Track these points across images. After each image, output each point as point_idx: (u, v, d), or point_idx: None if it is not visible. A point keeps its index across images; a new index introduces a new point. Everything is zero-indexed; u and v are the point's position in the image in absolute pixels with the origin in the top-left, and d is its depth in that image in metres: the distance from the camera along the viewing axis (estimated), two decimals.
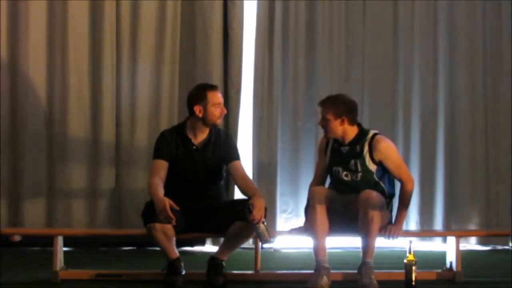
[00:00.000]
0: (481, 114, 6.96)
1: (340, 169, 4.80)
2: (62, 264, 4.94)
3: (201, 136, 4.81)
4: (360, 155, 4.74)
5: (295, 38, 6.84)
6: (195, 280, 4.76)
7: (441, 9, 6.95)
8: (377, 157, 4.73)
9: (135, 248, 6.65)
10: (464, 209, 6.91)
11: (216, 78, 6.57)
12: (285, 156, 6.81)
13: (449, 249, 5.04)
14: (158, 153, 4.78)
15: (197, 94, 4.79)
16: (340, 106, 4.76)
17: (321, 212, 4.64)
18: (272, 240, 4.62)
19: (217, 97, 4.78)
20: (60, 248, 4.93)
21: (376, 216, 4.55)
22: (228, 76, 6.71)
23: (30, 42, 6.62)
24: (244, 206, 4.50)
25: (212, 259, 4.74)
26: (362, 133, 4.80)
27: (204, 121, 4.76)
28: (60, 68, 6.65)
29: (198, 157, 4.78)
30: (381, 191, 4.75)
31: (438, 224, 6.85)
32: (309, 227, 4.72)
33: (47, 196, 6.60)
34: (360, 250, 4.64)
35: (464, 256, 5.10)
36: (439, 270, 5.04)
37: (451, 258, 5.00)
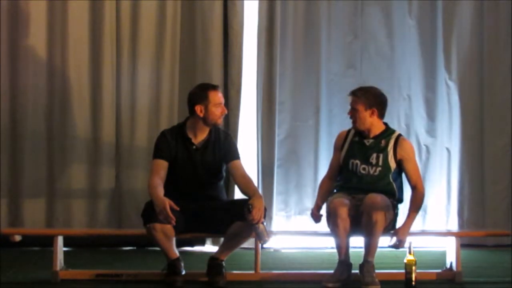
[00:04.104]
0: (479, 113, 6.96)
1: (358, 161, 4.83)
2: (62, 264, 4.95)
3: (201, 136, 4.81)
4: (384, 150, 4.80)
5: (295, 38, 6.84)
6: (195, 280, 4.77)
7: (439, 8, 6.94)
8: (400, 155, 4.80)
9: (135, 248, 6.65)
10: (463, 209, 6.92)
11: (216, 78, 6.56)
12: (285, 156, 6.81)
13: (449, 249, 5.04)
14: (158, 152, 4.78)
15: (198, 94, 4.79)
16: (371, 97, 4.83)
17: (341, 209, 4.66)
18: (269, 239, 4.62)
19: (218, 97, 4.78)
20: (60, 248, 4.94)
21: (380, 219, 4.60)
22: (228, 76, 6.70)
23: (30, 42, 6.62)
24: (243, 206, 4.50)
25: (212, 259, 4.74)
26: (389, 131, 4.89)
27: (205, 121, 4.76)
28: (60, 68, 6.64)
29: (198, 157, 4.77)
30: (392, 192, 4.78)
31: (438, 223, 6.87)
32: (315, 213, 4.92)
33: (47, 196, 6.59)
34: (362, 249, 4.66)
35: (464, 256, 5.10)
36: (439, 270, 5.05)
37: (451, 258, 5.00)
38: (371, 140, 4.84)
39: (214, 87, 4.84)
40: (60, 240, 4.93)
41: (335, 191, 4.99)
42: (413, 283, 4.58)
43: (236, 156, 4.85)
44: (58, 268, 4.88)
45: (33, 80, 6.60)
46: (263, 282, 4.90)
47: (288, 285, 4.82)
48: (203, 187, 4.80)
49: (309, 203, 6.68)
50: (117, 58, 6.68)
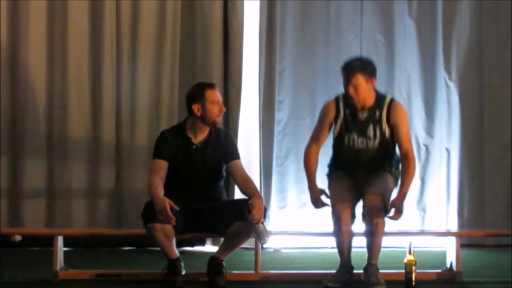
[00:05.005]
0: (478, 113, 6.96)
1: (355, 136, 4.67)
2: (62, 264, 4.94)
3: (201, 136, 4.81)
4: (379, 121, 4.65)
5: (295, 37, 6.84)
6: (195, 280, 4.76)
7: (439, 8, 6.94)
8: (393, 120, 4.63)
9: (135, 248, 6.65)
10: (463, 209, 6.93)
11: (216, 78, 6.57)
12: (284, 153, 6.81)
13: (449, 249, 5.05)
14: (158, 152, 4.78)
15: (195, 93, 4.78)
16: (368, 67, 4.64)
17: (345, 213, 4.63)
18: (269, 239, 4.62)
19: (215, 95, 4.77)
20: (60, 248, 4.93)
21: (380, 222, 4.56)
22: (228, 76, 6.71)
23: (30, 42, 6.62)
24: (243, 206, 4.50)
25: (212, 259, 4.74)
26: (381, 97, 4.70)
27: (204, 119, 4.75)
28: (60, 67, 6.65)
29: (198, 156, 4.77)
30: (390, 154, 4.69)
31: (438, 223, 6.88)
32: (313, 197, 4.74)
33: (47, 196, 6.60)
34: (365, 250, 4.66)
35: (464, 256, 5.10)
36: (439, 270, 5.04)
37: (451, 258, 5.00)
38: (365, 113, 4.66)
39: (211, 85, 4.84)
40: (60, 240, 4.93)
41: (328, 171, 4.88)
42: (413, 283, 4.57)
43: (236, 156, 4.84)
44: (58, 268, 4.87)
45: (33, 80, 6.61)
46: (263, 282, 4.90)
47: (288, 285, 4.81)
48: (203, 187, 4.80)
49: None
50: (117, 58, 6.69)
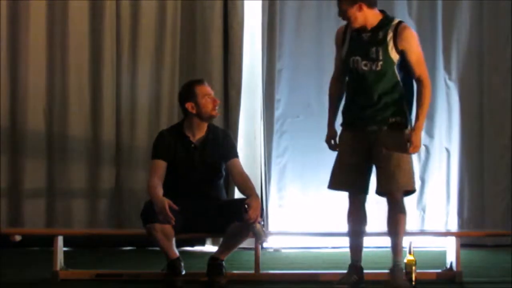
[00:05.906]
0: (478, 113, 6.96)
1: (359, 58, 4.51)
2: (62, 264, 4.95)
3: (199, 134, 4.81)
4: (383, 42, 4.47)
5: (295, 36, 6.85)
6: (195, 280, 4.76)
7: (439, 8, 6.94)
8: (401, 45, 4.47)
9: (135, 248, 6.66)
10: (463, 209, 6.93)
11: (216, 78, 6.57)
12: (283, 152, 6.82)
13: (449, 249, 5.05)
14: (157, 153, 4.78)
15: (185, 92, 4.80)
16: None
17: (356, 212, 4.60)
18: (267, 239, 4.61)
19: (205, 89, 4.77)
20: (60, 248, 4.94)
21: (402, 218, 4.50)
22: (228, 76, 6.71)
23: (30, 42, 6.62)
24: (241, 206, 4.50)
25: (212, 259, 4.74)
26: (387, 19, 4.54)
27: (200, 115, 4.75)
28: (60, 68, 6.65)
29: (197, 155, 4.77)
30: (400, 92, 4.53)
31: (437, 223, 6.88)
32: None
33: (47, 196, 6.60)
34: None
35: (464, 256, 5.10)
36: (439, 270, 5.04)
37: (451, 258, 5.00)
38: (368, 34, 4.51)
39: (199, 81, 4.84)
40: (60, 240, 4.93)
41: (341, 120, 4.70)
42: (413, 283, 4.57)
43: (234, 154, 4.84)
44: (58, 268, 4.88)
45: (33, 80, 6.61)
46: (263, 282, 4.90)
47: (288, 285, 4.82)
48: (203, 186, 4.79)
49: (310, 198, 6.70)
50: (117, 58, 6.69)
